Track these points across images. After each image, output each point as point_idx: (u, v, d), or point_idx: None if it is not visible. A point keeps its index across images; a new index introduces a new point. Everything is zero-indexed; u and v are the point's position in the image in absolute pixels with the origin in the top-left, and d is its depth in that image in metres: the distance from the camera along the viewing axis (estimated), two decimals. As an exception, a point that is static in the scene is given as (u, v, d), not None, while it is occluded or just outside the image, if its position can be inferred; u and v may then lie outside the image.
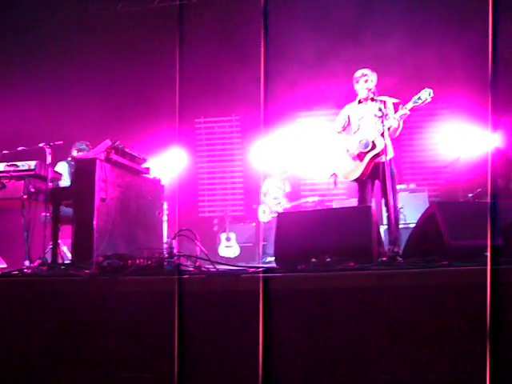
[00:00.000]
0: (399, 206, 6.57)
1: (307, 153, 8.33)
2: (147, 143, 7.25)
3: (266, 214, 7.59)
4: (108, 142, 4.07)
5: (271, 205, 7.57)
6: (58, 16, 7.22)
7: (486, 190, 6.81)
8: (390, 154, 4.43)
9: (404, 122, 4.48)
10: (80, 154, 5.32)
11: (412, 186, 7.63)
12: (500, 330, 1.94)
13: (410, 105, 4.30)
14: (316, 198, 7.54)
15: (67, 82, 7.51)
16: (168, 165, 7.94)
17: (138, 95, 8.05)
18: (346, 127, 4.79)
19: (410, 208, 6.60)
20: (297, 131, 8.59)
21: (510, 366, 2.08)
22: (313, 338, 2.28)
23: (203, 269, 2.73)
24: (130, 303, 2.50)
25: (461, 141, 8.05)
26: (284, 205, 7.47)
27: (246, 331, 2.32)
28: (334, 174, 4.75)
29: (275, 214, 7.22)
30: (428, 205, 6.37)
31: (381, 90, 4.65)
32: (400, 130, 4.51)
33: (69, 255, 4.80)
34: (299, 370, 2.28)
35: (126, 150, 4.34)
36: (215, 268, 2.79)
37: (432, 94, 4.23)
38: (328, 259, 2.61)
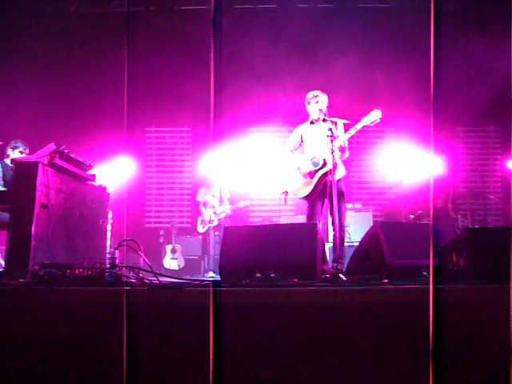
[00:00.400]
0: (345, 224, 6.74)
1: (257, 168, 8.37)
2: (94, 150, 7.05)
3: (203, 224, 7.69)
4: (52, 146, 3.92)
5: (206, 215, 7.67)
6: (8, 14, 6.96)
7: (426, 211, 7.13)
8: (340, 173, 4.54)
9: (352, 143, 4.61)
10: (16, 151, 5.15)
11: (358, 205, 7.84)
12: (441, 348, 2.01)
13: (359, 125, 4.43)
14: (247, 202, 7.83)
15: (14, 81, 7.21)
16: (115, 173, 7.74)
17: (88, 100, 7.85)
18: (297, 147, 4.86)
19: (355, 227, 6.78)
20: (247, 145, 8.63)
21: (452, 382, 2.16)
22: (255, 352, 2.26)
23: (146, 281, 2.66)
24: (68, 315, 2.39)
25: (405, 164, 8.39)
26: (221, 210, 7.55)
27: (189, 345, 2.27)
28: (285, 191, 4.80)
29: (212, 224, 7.51)
30: (372, 224, 6.56)
31: (332, 108, 4.77)
32: (347, 154, 4.64)
33: (2, 263, 4.56)
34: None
35: (72, 155, 4.20)
36: (158, 280, 2.72)
37: (381, 115, 4.37)
38: (272, 274, 2.61)
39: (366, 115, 4.43)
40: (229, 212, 7.60)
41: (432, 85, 1.69)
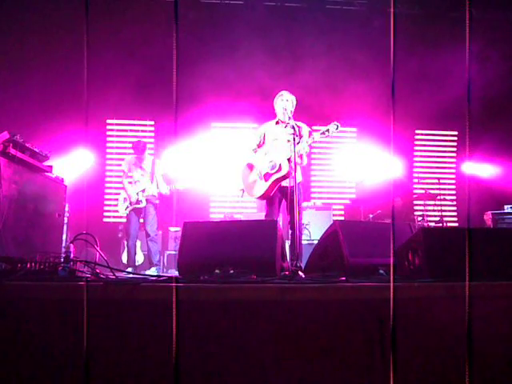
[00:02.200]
0: (305, 222, 6.82)
1: (217, 163, 8.34)
2: (51, 140, 6.81)
3: (125, 204, 6.33)
4: (6, 135, 3.76)
5: (133, 194, 6.28)
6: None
7: (385, 211, 7.29)
8: (298, 178, 4.57)
9: (315, 142, 4.65)
10: None
11: (318, 203, 7.93)
12: (396, 344, 2.04)
13: (317, 136, 4.49)
14: (188, 185, 6.48)
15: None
16: (73, 165, 7.53)
17: (46, 88, 7.59)
18: (260, 145, 4.87)
19: (315, 225, 6.85)
20: (209, 140, 8.58)
21: (408, 380, 2.21)
22: (213, 349, 2.24)
23: (101, 276, 2.59)
24: (18, 310, 2.30)
25: (366, 164, 8.56)
26: (149, 192, 6.26)
27: (147, 342, 2.23)
28: (242, 189, 4.84)
29: (139, 205, 6.24)
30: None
31: (297, 112, 4.80)
32: (305, 161, 4.70)
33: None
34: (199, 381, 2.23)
35: (27, 144, 4.04)
36: (114, 275, 2.66)
37: (339, 128, 4.46)
38: (231, 271, 2.60)
39: (325, 124, 4.51)
40: (167, 192, 6.35)
41: (392, 87, 1.72)
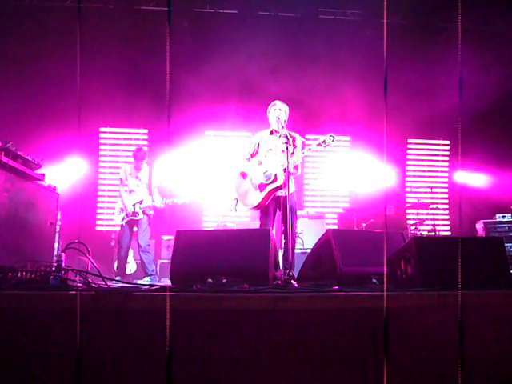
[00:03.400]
0: (299, 231, 6.83)
1: (211, 172, 8.34)
2: (44, 148, 6.78)
3: (122, 215, 6.19)
4: (-2, 143, 3.75)
5: (129, 205, 6.14)
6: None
7: (378, 220, 7.31)
8: (291, 189, 4.57)
9: (309, 151, 4.68)
10: None
11: (312, 212, 7.93)
12: (388, 352, 2.04)
13: (313, 147, 4.51)
14: (188, 200, 6.30)
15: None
16: (65, 173, 7.50)
17: (39, 96, 7.58)
18: (254, 154, 4.86)
19: (309, 234, 6.84)
20: (203, 149, 8.59)
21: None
22: (205, 357, 2.23)
23: (93, 285, 2.57)
24: (8, 320, 2.27)
25: (359, 173, 8.61)
26: (146, 204, 6.11)
27: (140, 350, 2.21)
28: (236, 198, 4.82)
29: (136, 217, 6.09)
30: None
31: (290, 122, 4.81)
32: (300, 171, 4.71)
33: None
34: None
35: (19, 152, 4.02)
36: (106, 284, 2.64)
37: (335, 140, 4.48)
38: (224, 280, 2.59)
39: (319, 133, 4.54)
40: (161, 205, 6.19)
41: (384, 96, 1.73)
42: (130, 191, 6.22)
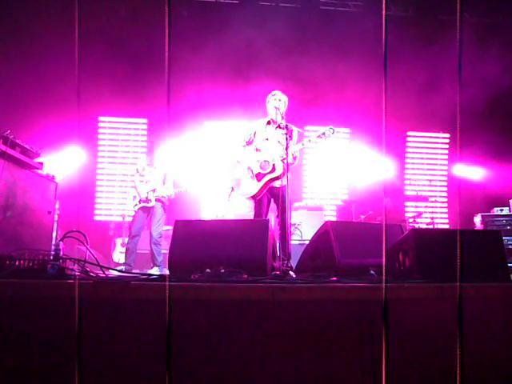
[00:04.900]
0: (297, 222, 6.83)
1: (208, 161, 8.32)
2: (43, 137, 6.76)
3: (134, 202, 6.30)
4: (-4, 131, 3.74)
5: (142, 192, 6.26)
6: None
7: (376, 212, 7.32)
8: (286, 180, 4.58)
9: (308, 144, 4.67)
10: None
11: (310, 203, 7.93)
12: (387, 344, 2.05)
13: (313, 139, 4.52)
14: (188, 188, 6.52)
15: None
16: (64, 162, 7.48)
17: (38, 85, 7.52)
18: (250, 142, 4.84)
19: (307, 225, 6.85)
20: (201, 138, 8.56)
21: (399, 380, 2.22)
22: (203, 347, 2.23)
23: (91, 274, 2.57)
24: (5, 309, 2.27)
25: (358, 165, 8.60)
26: (160, 193, 6.22)
27: (139, 340, 2.21)
28: (231, 187, 4.81)
29: (147, 204, 6.19)
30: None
31: (290, 114, 4.80)
32: (297, 161, 4.71)
33: None
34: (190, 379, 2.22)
35: (17, 141, 4.01)
36: (104, 274, 2.64)
37: (334, 132, 4.50)
38: (222, 270, 2.59)
39: (318, 124, 4.54)
40: (172, 196, 6.34)
41: (384, 89, 1.72)
42: (146, 182, 6.32)
